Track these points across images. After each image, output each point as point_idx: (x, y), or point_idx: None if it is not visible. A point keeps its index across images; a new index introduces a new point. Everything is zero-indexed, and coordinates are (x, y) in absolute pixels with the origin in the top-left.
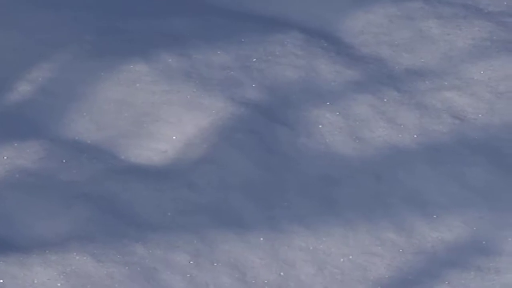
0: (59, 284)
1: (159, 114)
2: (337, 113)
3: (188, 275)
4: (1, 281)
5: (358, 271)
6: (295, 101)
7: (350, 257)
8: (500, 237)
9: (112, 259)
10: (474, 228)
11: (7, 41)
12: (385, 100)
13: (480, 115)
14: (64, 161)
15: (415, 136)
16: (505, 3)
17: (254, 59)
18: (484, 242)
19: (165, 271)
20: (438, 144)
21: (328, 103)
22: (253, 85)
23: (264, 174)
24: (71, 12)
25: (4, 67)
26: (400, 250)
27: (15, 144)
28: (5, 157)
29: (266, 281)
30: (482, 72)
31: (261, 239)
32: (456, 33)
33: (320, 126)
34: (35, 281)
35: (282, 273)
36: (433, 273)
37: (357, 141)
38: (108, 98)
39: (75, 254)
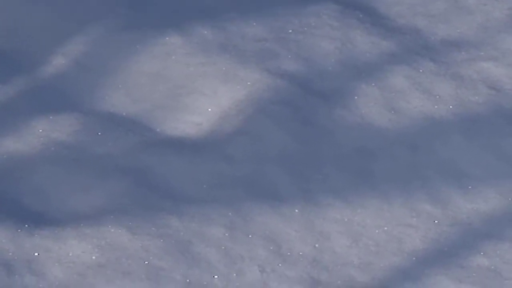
0: (93, 257)
1: (194, 86)
2: (373, 84)
3: (223, 248)
4: (36, 254)
5: (393, 242)
6: (330, 72)
7: (385, 228)
8: None
9: (147, 232)
10: (510, 199)
11: (40, 16)
12: (421, 71)
13: None
14: (99, 134)
15: (451, 107)
16: None
17: (290, 31)
18: None
19: (200, 244)
20: (474, 115)
21: (363, 74)
22: (289, 57)
23: (299, 146)
24: None
25: (37, 41)
26: (436, 222)
27: (50, 117)
28: (40, 130)
29: (301, 253)
30: None
31: (296, 211)
32: (493, 3)
33: (356, 98)
34: (70, 254)
35: (317, 245)
36: (468, 245)
37: (393, 112)
38: (143, 71)
39: (110, 227)
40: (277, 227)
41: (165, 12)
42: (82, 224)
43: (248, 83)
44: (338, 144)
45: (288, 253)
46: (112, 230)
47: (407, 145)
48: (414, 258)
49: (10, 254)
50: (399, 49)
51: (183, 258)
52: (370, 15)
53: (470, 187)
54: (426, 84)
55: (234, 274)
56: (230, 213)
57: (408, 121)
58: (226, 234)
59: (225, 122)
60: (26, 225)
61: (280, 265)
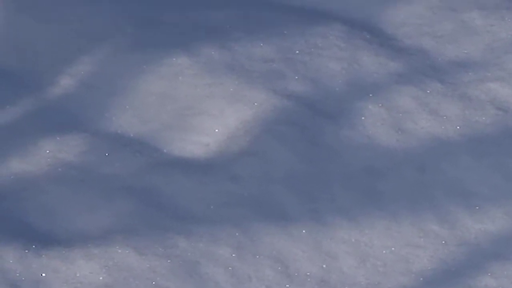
0: (101, 278)
1: (202, 107)
2: (380, 104)
3: (230, 268)
4: (44, 274)
5: (401, 263)
6: (338, 93)
7: (393, 249)
8: None
9: (155, 252)
10: None
11: (47, 35)
12: (428, 91)
13: None
14: (106, 154)
15: (459, 127)
16: None
17: (297, 51)
18: None
19: (208, 264)
20: (481, 135)
21: (371, 95)
22: (296, 77)
23: (307, 167)
24: (109, 4)
25: (44, 60)
26: (443, 242)
27: (57, 138)
28: (47, 151)
29: (308, 273)
30: None
31: (304, 231)
32: (500, 24)
33: (363, 118)
34: (77, 275)
35: (324, 266)
36: (476, 265)
37: (400, 132)
38: (150, 91)
39: (117, 247)
40: (285, 247)
41: (172, 32)
42: (89, 245)
43: (255, 103)
44: (346, 164)
45: (296, 274)
46: (120, 251)
47: (415, 165)
48: (421, 279)
49: (17, 274)
50: (406, 70)
51: (191, 279)
52: (377, 36)
53: (477, 207)
54: (434, 105)
55: None
56: (237, 233)
57: (416, 141)
58: (234, 255)
59: (232, 143)
60: (34, 246)
61: (287, 285)
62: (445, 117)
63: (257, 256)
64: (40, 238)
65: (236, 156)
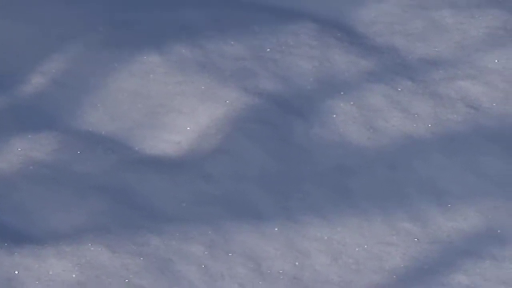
0: (73, 275)
1: (173, 105)
2: (351, 103)
3: (203, 266)
4: (16, 272)
5: (373, 260)
6: (309, 91)
7: (365, 246)
8: None
9: (127, 250)
10: (489, 217)
11: (19, 34)
12: (399, 89)
13: (494, 104)
14: (78, 152)
15: (430, 125)
16: None
17: (268, 50)
18: (499, 231)
19: (180, 262)
20: (452, 133)
21: (342, 93)
22: (267, 76)
23: (278, 165)
24: (82, 3)
25: (16, 59)
26: (416, 240)
27: (29, 136)
28: (19, 149)
29: (281, 271)
30: (496, 61)
31: (276, 229)
32: (470, 22)
33: (334, 116)
34: (50, 273)
35: (297, 263)
36: (448, 262)
37: (372, 130)
38: (122, 89)
39: (90, 245)
40: (257, 245)
41: (143, 31)
42: (62, 243)
43: (227, 101)
44: (317, 163)
45: (268, 271)
46: (92, 249)
47: (386, 164)
48: (394, 276)
49: None
50: (377, 68)
51: (164, 276)
52: (348, 34)
53: (449, 205)
54: (405, 103)
55: None
56: (210, 231)
57: (387, 139)
58: (206, 252)
59: (204, 141)
60: (6, 244)
61: (260, 283)
62: (416, 115)
63: (230, 254)
64: (12, 236)
65: (208, 154)
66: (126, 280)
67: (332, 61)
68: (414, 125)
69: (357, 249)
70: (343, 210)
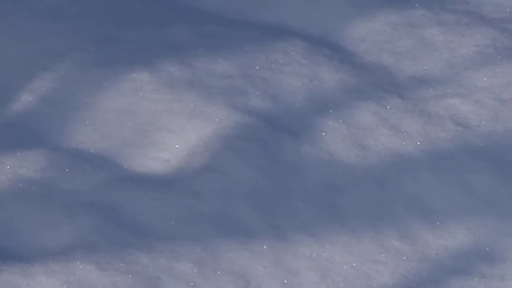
0: None
1: (162, 123)
2: (340, 120)
3: (191, 284)
4: None
5: (362, 278)
6: (298, 109)
7: (354, 264)
8: (504, 244)
9: (116, 268)
10: (478, 235)
11: (7, 51)
12: (388, 107)
13: (483, 122)
14: (67, 170)
15: (419, 143)
16: (508, 10)
17: (257, 67)
18: (487, 249)
19: (169, 280)
20: (441, 151)
21: (331, 111)
22: (256, 93)
23: (267, 183)
24: (70, 21)
25: (5, 76)
26: (404, 258)
27: (18, 154)
28: (8, 167)
29: None
30: (485, 79)
31: (265, 247)
32: (459, 40)
33: (323, 134)
34: None
35: (285, 281)
36: (437, 280)
37: (360, 148)
38: (110, 107)
39: (78, 263)
40: (246, 263)
41: (132, 49)
42: (50, 260)
43: (216, 119)
44: (306, 180)
45: None
46: (81, 266)
47: (375, 181)
48: None
49: None
50: (366, 86)
51: None
52: (337, 52)
53: (438, 223)
54: (394, 121)
55: None
56: (198, 249)
57: (376, 157)
58: (195, 270)
59: (193, 159)
60: None
61: None
62: (405, 133)
63: (218, 272)
64: (0, 253)
65: (196, 172)
66: None
67: (322, 79)
68: (403, 143)
69: (345, 267)
70: (332, 228)
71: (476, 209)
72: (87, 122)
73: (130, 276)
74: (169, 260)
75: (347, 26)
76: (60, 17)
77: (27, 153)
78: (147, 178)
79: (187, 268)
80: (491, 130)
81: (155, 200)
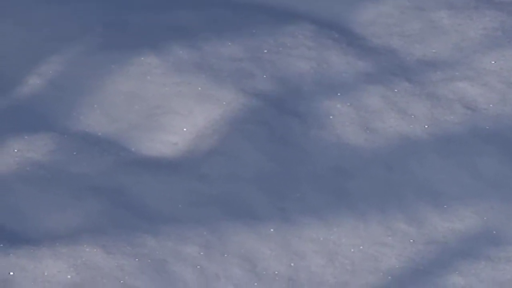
0: (69, 276)
1: (170, 106)
2: (348, 104)
3: (198, 267)
4: (12, 273)
5: (369, 261)
6: (306, 92)
7: (361, 247)
8: (511, 227)
9: (123, 251)
10: (485, 218)
11: (15, 36)
12: (396, 90)
13: (491, 105)
14: (74, 153)
15: (427, 126)
16: None
17: (265, 51)
18: (495, 232)
19: (176, 263)
20: (449, 134)
21: (339, 94)
22: (264, 77)
23: (275, 166)
24: (78, 5)
25: (12, 61)
26: (411, 241)
27: (26, 137)
28: (15, 150)
29: (276, 272)
30: (493, 62)
31: (272, 230)
32: (468, 23)
33: (331, 117)
34: (45, 274)
35: (292, 264)
36: (444, 263)
37: (368, 132)
38: (118, 90)
39: (85, 246)
40: (253, 246)
41: (140, 32)
42: (57, 244)
43: (224, 103)
44: (314, 164)
45: (264, 272)
46: (88, 250)
47: (383, 165)
48: (389, 277)
49: None
50: (374, 69)
51: (159, 277)
52: (345, 35)
53: (445, 206)
54: (402, 104)
55: None
56: (205, 232)
57: (384, 140)
58: (202, 253)
59: (201, 142)
60: (1, 245)
61: (255, 284)
62: (413, 116)
63: (225, 255)
64: (8, 237)
65: (204, 155)
66: (121, 281)
67: (330, 62)
68: (411, 126)
69: (352, 250)
70: (339, 211)
71: (484, 192)
72: (95, 106)
73: (137, 259)
74: (176, 243)
75: (355, 9)
76: (66, 1)
77: (34, 137)
78: (155, 162)
79: (194, 251)
80: (499, 113)
81: (163, 184)
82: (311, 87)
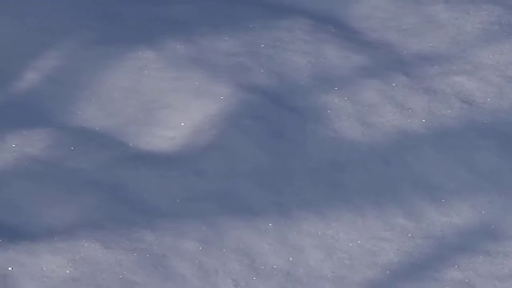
0: (67, 272)
1: (167, 101)
2: (345, 98)
3: (196, 262)
4: (10, 268)
5: (367, 256)
6: (303, 86)
7: (359, 242)
8: (509, 221)
9: (121, 246)
10: (483, 212)
11: (11, 30)
12: (394, 85)
13: (488, 99)
14: (72, 148)
15: (424, 120)
16: None
17: (262, 45)
18: (492, 226)
19: (174, 258)
20: (446, 128)
21: (336, 88)
22: (261, 71)
23: (272, 160)
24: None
25: (9, 55)
26: (409, 235)
27: (23, 132)
28: (13, 145)
29: (275, 267)
30: (490, 56)
31: (270, 225)
32: (464, 17)
33: (329, 112)
34: (44, 269)
35: (290, 259)
36: (442, 258)
37: (366, 126)
38: (115, 85)
39: (83, 241)
40: (251, 241)
41: (137, 27)
42: (56, 239)
43: (221, 97)
44: (311, 158)
45: (262, 267)
46: (86, 245)
47: (380, 159)
48: (387, 272)
49: None
50: (371, 63)
51: (157, 272)
52: (342, 30)
53: (443, 200)
54: (399, 98)
55: None
56: (203, 227)
57: (381, 135)
58: (200, 248)
59: (198, 137)
60: (0, 240)
61: (254, 278)
62: (410, 111)
63: (224, 250)
64: (6, 232)
65: (201, 150)
66: (120, 276)
67: (326, 56)
68: (408, 120)
69: (350, 244)
70: (337, 206)
71: (481, 187)
72: (92, 101)
73: (135, 254)
74: (174, 238)
75: (352, 3)
76: None
77: (32, 132)
78: (152, 156)
79: (192, 246)
80: (496, 107)
81: (160, 178)
82: (308, 81)
